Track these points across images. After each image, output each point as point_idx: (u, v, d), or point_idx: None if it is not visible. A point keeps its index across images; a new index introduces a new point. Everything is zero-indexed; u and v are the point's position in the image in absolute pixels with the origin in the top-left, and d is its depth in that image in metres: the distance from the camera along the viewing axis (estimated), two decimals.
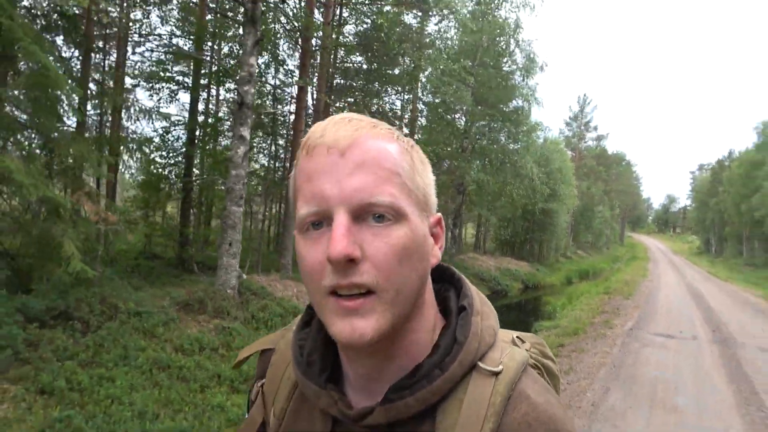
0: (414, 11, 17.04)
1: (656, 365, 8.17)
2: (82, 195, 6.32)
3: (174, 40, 11.55)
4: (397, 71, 16.52)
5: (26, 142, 6.07)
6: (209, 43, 11.60)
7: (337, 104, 15.52)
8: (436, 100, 19.98)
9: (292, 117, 14.06)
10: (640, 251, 62.36)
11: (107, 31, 9.60)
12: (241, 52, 9.41)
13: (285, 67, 13.01)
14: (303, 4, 11.70)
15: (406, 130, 18.86)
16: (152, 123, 8.99)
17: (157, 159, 10.81)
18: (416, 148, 0.70)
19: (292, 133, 12.85)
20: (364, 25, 15.20)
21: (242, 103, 8.64)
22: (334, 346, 0.73)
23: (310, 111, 13.61)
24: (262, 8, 8.95)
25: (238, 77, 9.00)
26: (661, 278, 27.37)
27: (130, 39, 10.24)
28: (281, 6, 10.32)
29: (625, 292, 19.36)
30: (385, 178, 0.62)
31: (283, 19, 11.05)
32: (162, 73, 10.73)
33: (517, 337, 0.79)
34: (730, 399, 6.62)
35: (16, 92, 5.85)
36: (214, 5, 11.14)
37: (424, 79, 18.08)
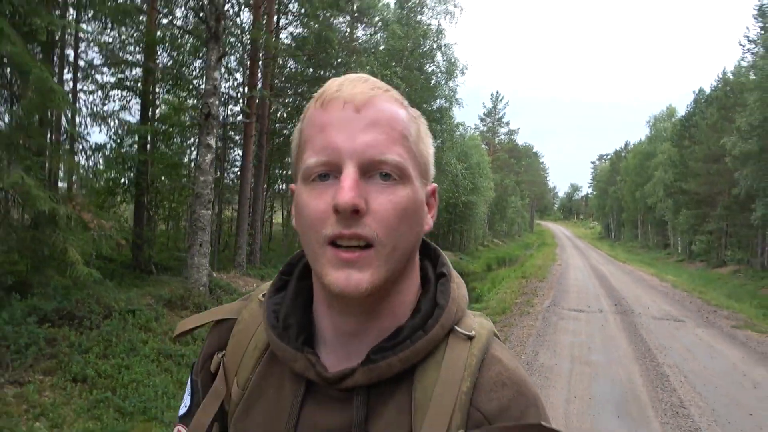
0: (343, 16, 18.05)
1: (572, 333, 9.83)
2: (78, 204, 6.93)
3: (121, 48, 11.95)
4: (331, 74, 17.48)
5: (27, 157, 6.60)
6: (159, 52, 12.08)
7: (276, 106, 16.25)
8: None
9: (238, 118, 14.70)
10: (549, 237, 66.81)
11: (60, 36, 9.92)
12: (198, 62, 10.09)
13: (233, 75, 13.67)
14: (251, 17, 12.47)
15: None
16: (104, 129, 9.34)
17: (109, 165, 11.20)
18: (422, 118, 0.72)
19: (241, 136, 13.51)
20: (299, 30, 16.11)
21: (208, 114, 9.40)
22: (309, 310, 0.74)
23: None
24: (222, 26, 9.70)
25: (203, 90, 9.72)
26: (569, 262, 30.14)
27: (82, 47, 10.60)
28: (236, 22, 11.06)
29: (540, 276, 21.47)
30: (395, 139, 0.64)
31: (236, 31, 11.76)
32: (116, 80, 11.16)
33: (473, 315, 0.79)
34: (631, 354, 8.31)
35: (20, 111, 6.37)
36: (166, 17, 11.65)
37: None
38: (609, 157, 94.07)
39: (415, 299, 0.72)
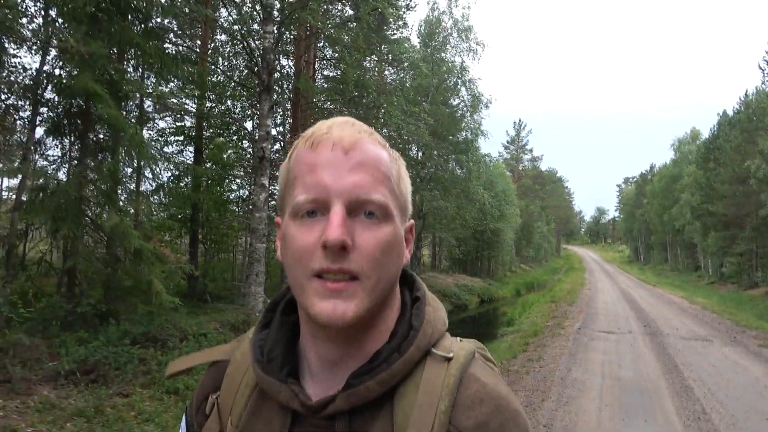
0: (372, 57, 19.19)
1: (603, 352, 10.45)
2: (158, 242, 7.95)
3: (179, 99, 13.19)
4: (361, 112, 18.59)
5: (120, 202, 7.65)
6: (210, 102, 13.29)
7: None
8: (393, 134, 22.25)
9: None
10: (576, 262, 66.75)
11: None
12: (251, 110, 11.16)
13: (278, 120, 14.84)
14: (293, 68, 13.65)
15: None
16: (163, 171, 10.31)
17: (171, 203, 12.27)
18: (401, 160, 0.76)
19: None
20: (334, 74, 17.28)
21: (262, 157, 10.45)
22: (293, 344, 0.77)
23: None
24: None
25: (257, 136, 10.80)
26: (598, 286, 30.47)
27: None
28: (284, 75, 12.21)
29: (569, 300, 21.95)
30: (380, 179, 0.68)
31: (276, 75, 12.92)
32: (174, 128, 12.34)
33: (459, 340, 0.81)
34: (658, 371, 8.91)
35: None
36: (219, 69, 12.86)
37: (382, 119, 20.22)
38: (635, 179, 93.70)
39: (394, 324, 0.74)
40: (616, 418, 6.16)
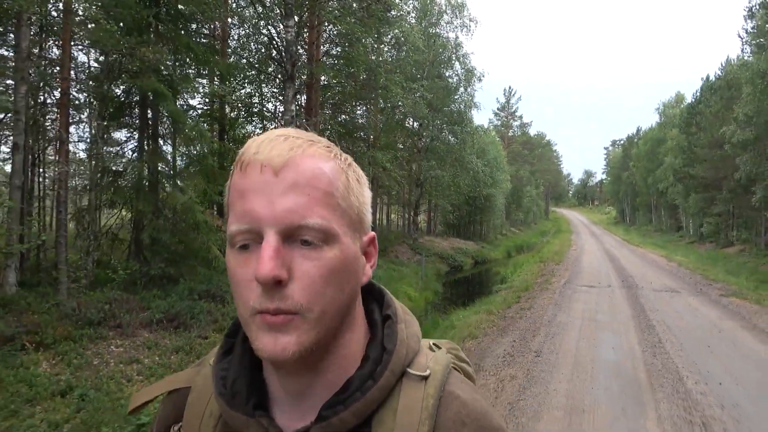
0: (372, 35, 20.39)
1: (584, 302, 12.21)
2: (210, 214, 9.47)
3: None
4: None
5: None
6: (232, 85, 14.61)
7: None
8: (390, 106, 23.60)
9: None
10: (564, 224, 68.74)
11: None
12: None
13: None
14: (307, 53, 14.93)
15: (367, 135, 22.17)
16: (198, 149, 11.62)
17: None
18: (353, 166, 0.70)
19: None
20: (336, 50, 18.53)
21: None
22: (259, 372, 0.72)
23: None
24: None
25: (283, 120, 12.21)
26: (584, 247, 32.34)
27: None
28: (306, 64, 13.53)
29: (556, 260, 23.76)
30: (317, 199, 0.62)
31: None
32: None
33: (433, 344, 0.80)
34: (629, 315, 10.67)
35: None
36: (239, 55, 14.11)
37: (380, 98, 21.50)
38: (622, 142, 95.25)
39: (363, 347, 0.71)
40: (591, 347, 7.90)
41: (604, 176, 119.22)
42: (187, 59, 9.68)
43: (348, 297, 0.67)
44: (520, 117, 66.32)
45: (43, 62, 10.07)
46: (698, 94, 42.34)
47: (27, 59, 7.34)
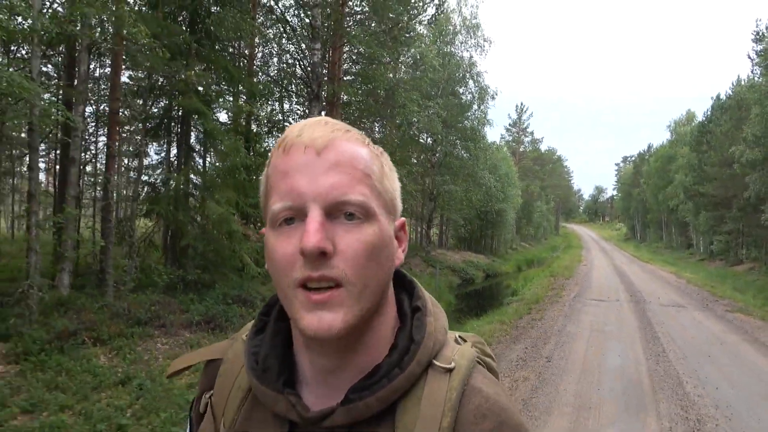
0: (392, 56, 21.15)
1: (593, 314, 12.73)
2: (243, 225, 10.16)
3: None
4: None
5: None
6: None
7: None
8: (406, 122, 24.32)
9: None
10: (574, 240, 69.01)
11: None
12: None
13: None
14: (328, 72, 15.71)
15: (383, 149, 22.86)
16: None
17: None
18: (385, 155, 0.73)
19: None
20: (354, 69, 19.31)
21: None
22: (290, 351, 0.75)
23: None
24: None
25: None
26: (594, 262, 32.74)
27: None
28: (329, 85, 14.28)
29: (566, 275, 24.22)
30: (358, 178, 0.65)
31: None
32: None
33: (459, 336, 0.81)
34: (635, 327, 11.19)
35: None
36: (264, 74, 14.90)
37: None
38: (633, 159, 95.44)
39: (393, 334, 0.72)
40: (598, 355, 8.45)
41: (614, 192, 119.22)
42: (223, 80, 10.44)
43: (385, 275, 0.68)
44: (531, 133, 67.11)
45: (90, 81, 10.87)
46: (709, 112, 42.76)
47: (85, 81, 8.10)
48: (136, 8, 8.72)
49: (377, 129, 22.07)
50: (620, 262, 35.08)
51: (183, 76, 8.91)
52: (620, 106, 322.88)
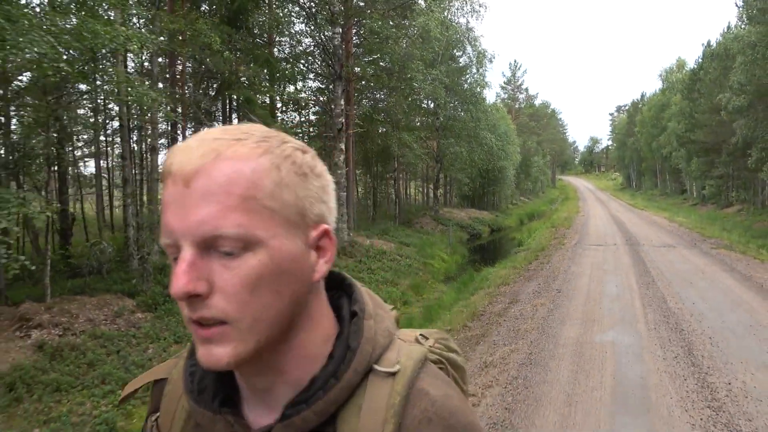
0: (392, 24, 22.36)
1: (593, 257, 14.53)
2: None
3: None
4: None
5: None
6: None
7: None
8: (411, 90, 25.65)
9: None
10: (571, 192, 70.75)
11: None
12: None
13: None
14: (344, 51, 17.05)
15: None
16: None
17: None
18: (293, 157, 0.64)
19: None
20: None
21: (339, 129, 14.15)
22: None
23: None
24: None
25: (334, 113, 14.46)
26: (591, 212, 34.52)
27: None
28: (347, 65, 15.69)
29: (566, 225, 26.00)
30: (232, 206, 0.58)
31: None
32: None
33: (420, 335, 0.79)
34: (629, 264, 12.99)
35: None
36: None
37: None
38: (626, 108, 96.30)
39: (331, 344, 0.69)
40: (598, 285, 10.25)
41: (609, 143, 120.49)
42: (265, 70, 11.86)
43: (290, 300, 0.63)
44: (526, 90, 68.17)
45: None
46: (700, 60, 43.79)
47: (156, 82, 9.56)
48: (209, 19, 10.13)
49: (381, 98, 23.46)
50: (616, 210, 36.84)
51: (235, 71, 10.39)
52: (613, 56, 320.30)
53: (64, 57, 6.04)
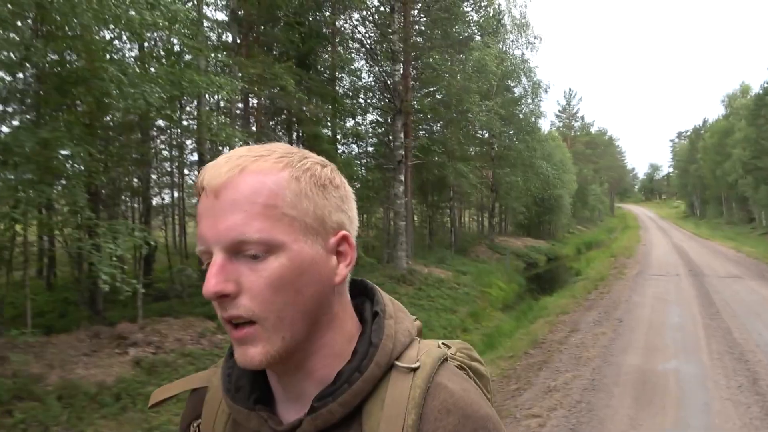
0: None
1: (655, 287, 14.38)
2: None
3: None
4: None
5: None
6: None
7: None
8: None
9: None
10: (631, 220, 68.81)
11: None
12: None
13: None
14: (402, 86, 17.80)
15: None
16: None
17: None
18: (312, 171, 0.71)
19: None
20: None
21: (399, 161, 14.74)
22: (262, 370, 0.76)
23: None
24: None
25: (393, 145, 15.08)
26: (653, 241, 33.68)
27: None
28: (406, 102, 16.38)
29: (626, 254, 25.52)
30: (255, 213, 0.65)
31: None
32: None
33: (442, 343, 0.81)
34: (693, 295, 12.82)
35: None
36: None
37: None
38: (688, 134, 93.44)
39: (354, 342, 0.74)
40: (661, 316, 10.25)
41: (670, 169, 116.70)
42: (329, 106, 12.65)
43: (312, 300, 0.69)
44: (582, 117, 67.50)
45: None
46: (766, 85, 42.39)
47: (235, 118, 10.44)
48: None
49: (438, 129, 23.98)
50: (679, 240, 35.76)
51: (305, 109, 11.17)
52: (673, 80, 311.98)
53: (167, 104, 6.90)
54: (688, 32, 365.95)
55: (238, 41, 10.30)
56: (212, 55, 8.18)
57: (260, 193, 0.66)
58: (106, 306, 9.79)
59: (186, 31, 6.84)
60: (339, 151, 17.92)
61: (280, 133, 12.52)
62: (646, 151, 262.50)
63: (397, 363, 0.72)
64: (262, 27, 11.33)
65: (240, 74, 8.99)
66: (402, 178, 14.82)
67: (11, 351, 6.56)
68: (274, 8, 10.60)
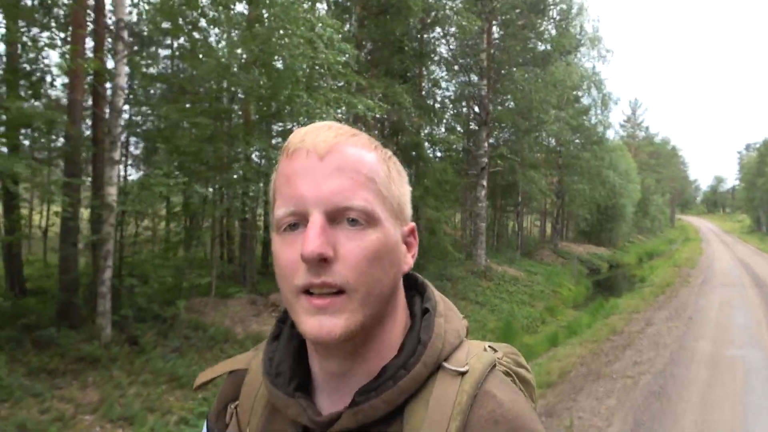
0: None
1: (720, 294, 15.33)
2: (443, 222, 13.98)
3: None
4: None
5: None
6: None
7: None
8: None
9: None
10: (692, 233, 67.65)
11: None
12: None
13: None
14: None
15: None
16: None
17: None
18: (393, 159, 0.72)
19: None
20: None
21: (483, 168, 16.24)
22: (303, 356, 0.76)
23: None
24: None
25: (476, 153, 16.58)
26: (715, 254, 33.78)
27: None
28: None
29: (689, 265, 26.07)
30: (360, 183, 0.65)
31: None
32: None
33: (489, 346, 0.79)
34: (758, 303, 13.77)
35: None
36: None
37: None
38: (757, 146, 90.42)
39: (403, 337, 0.72)
40: (728, 318, 11.39)
41: (736, 182, 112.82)
42: (428, 118, 14.33)
43: (391, 281, 0.68)
44: (647, 128, 66.89)
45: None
46: None
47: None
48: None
49: (511, 137, 25.23)
50: (743, 254, 35.58)
51: (408, 122, 12.83)
52: (740, 91, 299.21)
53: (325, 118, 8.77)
54: (760, 45, 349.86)
55: (367, 63, 12.02)
56: (356, 78, 9.81)
57: (364, 165, 0.67)
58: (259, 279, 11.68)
59: (341, 58, 8.52)
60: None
61: (385, 141, 14.25)
62: (711, 163, 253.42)
63: (446, 365, 0.70)
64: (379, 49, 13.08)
65: (368, 93, 10.71)
66: (484, 183, 16.31)
67: (204, 308, 8.50)
68: (389, 33, 12.28)
